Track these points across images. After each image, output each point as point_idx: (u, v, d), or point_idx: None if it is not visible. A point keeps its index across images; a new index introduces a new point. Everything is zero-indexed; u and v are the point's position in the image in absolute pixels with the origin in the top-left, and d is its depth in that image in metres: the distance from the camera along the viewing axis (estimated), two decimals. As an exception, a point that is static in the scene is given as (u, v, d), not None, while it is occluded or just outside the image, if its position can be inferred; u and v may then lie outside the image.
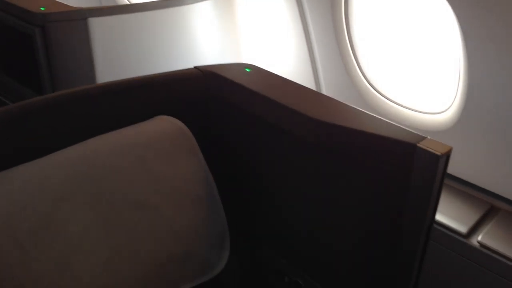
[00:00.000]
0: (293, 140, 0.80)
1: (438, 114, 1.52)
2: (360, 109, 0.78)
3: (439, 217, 1.43)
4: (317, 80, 1.80)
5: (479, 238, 1.36)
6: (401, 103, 1.62)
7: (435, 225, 1.43)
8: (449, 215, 1.44)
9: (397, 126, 0.72)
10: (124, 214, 0.74)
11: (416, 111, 1.58)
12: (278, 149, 0.84)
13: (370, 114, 0.76)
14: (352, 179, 0.75)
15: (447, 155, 0.67)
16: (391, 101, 1.64)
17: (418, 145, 0.67)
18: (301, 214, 0.85)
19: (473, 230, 1.40)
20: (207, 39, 1.53)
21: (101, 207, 0.72)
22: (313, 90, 0.84)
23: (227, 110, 0.89)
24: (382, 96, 1.65)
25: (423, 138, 0.68)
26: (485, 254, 1.34)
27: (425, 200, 0.68)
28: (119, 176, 0.75)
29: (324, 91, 1.77)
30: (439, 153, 0.65)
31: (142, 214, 0.75)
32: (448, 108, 1.47)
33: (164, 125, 0.82)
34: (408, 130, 0.70)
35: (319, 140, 0.76)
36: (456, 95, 1.41)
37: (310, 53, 1.74)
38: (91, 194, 0.71)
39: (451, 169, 1.56)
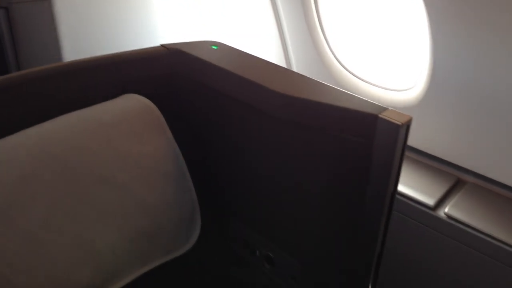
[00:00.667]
0: (260, 114, 0.81)
1: (405, 91, 1.55)
2: (325, 83, 0.79)
3: (407, 190, 1.47)
4: (287, 60, 1.81)
5: (446, 210, 1.41)
6: (369, 80, 1.64)
7: (403, 199, 1.47)
8: (417, 188, 1.48)
9: (360, 98, 0.74)
10: (92, 191, 0.74)
11: (384, 88, 1.61)
12: (245, 124, 0.85)
13: (334, 88, 0.77)
14: (318, 151, 0.77)
15: (407, 125, 0.69)
16: (360, 79, 1.66)
17: (380, 115, 0.69)
18: (269, 188, 0.86)
19: (440, 202, 1.44)
20: (173, 17, 1.52)
21: (68, 184, 0.72)
22: (279, 66, 0.85)
23: (194, 87, 0.89)
24: (352, 74, 1.67)
25: (385, 109, 0.70)
26: (451, 225, 1.39)
27: (387, 168, 0.70)
28: (85, 154, 0.75)
29: (295, 69, 1.78)
30: (399, 123, 0.67)
31: (111, 190, 0.76)
32: (415, 85, 1.50)
33: (131, 103, 0.82)
34: (370, 102, 0.72)
35: (284, 114, 0.77)
36: (421, 72, 1.44)
37: (280, 32, 1.74)
38: (57, 172, 0.71)
39: (418, 144, 1.60)
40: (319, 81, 0.80)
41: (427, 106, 1.48)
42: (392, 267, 1.60)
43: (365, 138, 0.71)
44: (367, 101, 0.73)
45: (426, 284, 1.52)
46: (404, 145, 0.71)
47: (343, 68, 1.68)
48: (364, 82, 1.65)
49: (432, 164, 1.59)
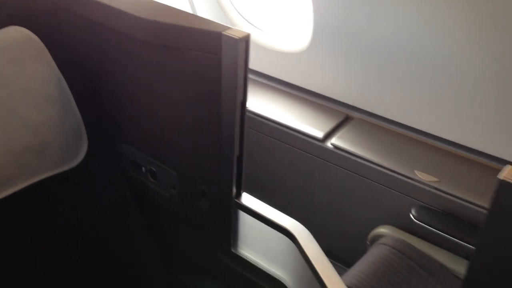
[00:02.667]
0: (131, 40, 0.92)
1: (295, 38, 1.69)
2: (185, 11, 0.91)
3: (298, 126, 1.63)
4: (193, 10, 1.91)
5: (332, 141, 1.58)
6: (265, 29, 1.78)
7: (295, 133, 1.63)
8: (308, 123, 1.64)
9: (209, 20, 0.86)
10: (-23, 109, 0.83)
11: (277, 36, 1.75)
12: (122, 52, 0.96)
13: (191, 14, 0.89)
14: (180, 69, 0.89)
15: (246, 40, 0.82)
16: (257, 28, 1.80)
17: (223, 32, 0.82)
18: (147, 109, 0.98)
19: (328, 135, 1.62)
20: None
21: None
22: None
23: (76, 21, 0.99)
24: (251, 24, 1.80)
25: (228, 28, 0.83)
26: (337, 154, 1.57)
27: (234, 78, 0.84)
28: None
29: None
30: (238, 37, 0.81)
31: (-4, 110, 0.85)
32: (302, 32, 1.64)
33: (13, 33, 0.91)
34: (217, 23, 0.85)
35: (149, 37, 0.89)
36: (306, 21, 1.59)
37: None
38: None
39: (312, 86, 1.75)
40: (180, 9, 0.91)
41: (314, 51, 1.63)
42: (285, 194, 1.78)
43: (214, 53, 0.84)
44: (214, 22, 0.85)
45: (315, 205, 1.70)
46: (247, 58, 0.84)
47: (243, 19, 1.81)
48: (262, 32, 1.78)
49: (323, 103, 1.76)
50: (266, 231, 0.98)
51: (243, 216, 1.01)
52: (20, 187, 0.89)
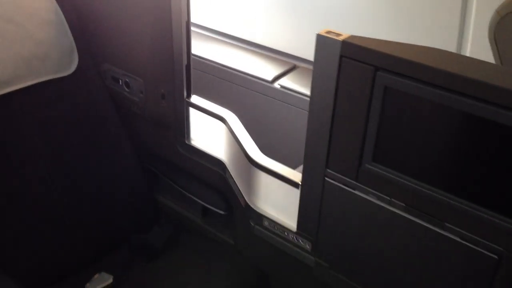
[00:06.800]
0: None
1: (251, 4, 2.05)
2: None
3: (250, 70, 1.98)
4: None
5: (280, 82, 1.94)
6: None
7: (248, 77, 1.98)
8: (259, 69, 2.00)
9: None
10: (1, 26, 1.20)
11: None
12: None
13: None
14: (141, 2, 1.26)
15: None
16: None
17: None
18: (120, 32, 1.34)
19: (276, 78, 1.98)
20: None
21: None
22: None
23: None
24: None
25: None
26: (283, 93, 1.93)
27: (179, 4, 1.20)
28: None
29: None
30: None
31: (11, 26, 1.21)
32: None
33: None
34: None
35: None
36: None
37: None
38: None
39: (263, 41, 2.11)
40: None
41: (267, 13, 2.00)
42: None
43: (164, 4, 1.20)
44: None
45: (263, 134, 2.04)
46: (188, 7, 1.20)
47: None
48: None
49: (273, 56, 2.11)
50: (211, 122, 1.34)
51: (194, 113, 1.37)
52: (29, 83, 1.25)
